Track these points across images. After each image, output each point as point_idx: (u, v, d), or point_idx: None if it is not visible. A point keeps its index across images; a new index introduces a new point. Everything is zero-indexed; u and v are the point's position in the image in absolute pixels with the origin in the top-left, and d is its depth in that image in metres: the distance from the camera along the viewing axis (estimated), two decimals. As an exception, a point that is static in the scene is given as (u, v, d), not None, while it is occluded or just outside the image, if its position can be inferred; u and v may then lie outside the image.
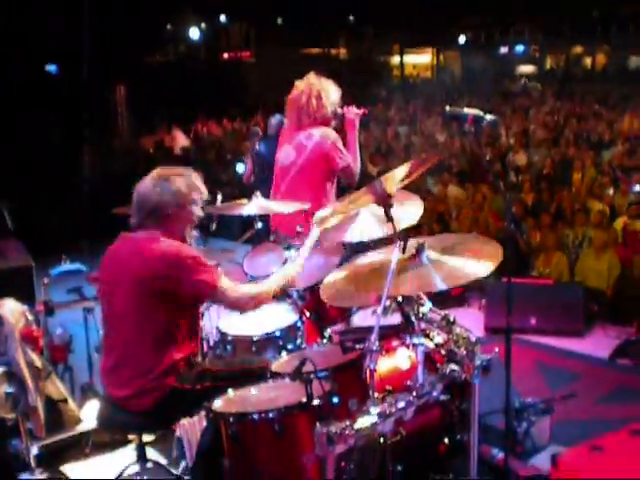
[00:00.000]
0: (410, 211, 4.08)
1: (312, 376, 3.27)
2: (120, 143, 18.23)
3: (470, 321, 7.43)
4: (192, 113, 21.71)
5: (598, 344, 7.54)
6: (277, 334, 4.43)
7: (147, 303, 3.83)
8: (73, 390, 5.73)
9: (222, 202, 5.65)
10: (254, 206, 5.10)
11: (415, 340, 3.67)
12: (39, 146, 15.08)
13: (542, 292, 8.05)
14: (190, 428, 4.21)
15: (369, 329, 3.39)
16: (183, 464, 4.42)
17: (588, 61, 41.96)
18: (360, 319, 4.80)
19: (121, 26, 22.84)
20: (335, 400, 3.35)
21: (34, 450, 4.82)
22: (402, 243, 3.48)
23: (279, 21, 38.54)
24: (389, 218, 3.58)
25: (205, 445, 3.70)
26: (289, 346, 4.41)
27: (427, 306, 3.93)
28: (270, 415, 3.28)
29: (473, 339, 3.66)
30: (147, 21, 25.66)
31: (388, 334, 3.84)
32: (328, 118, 5.76)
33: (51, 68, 25.35)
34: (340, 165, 5.64)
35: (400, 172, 3.57)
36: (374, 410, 3.17)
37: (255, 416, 3.32)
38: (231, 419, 3.37)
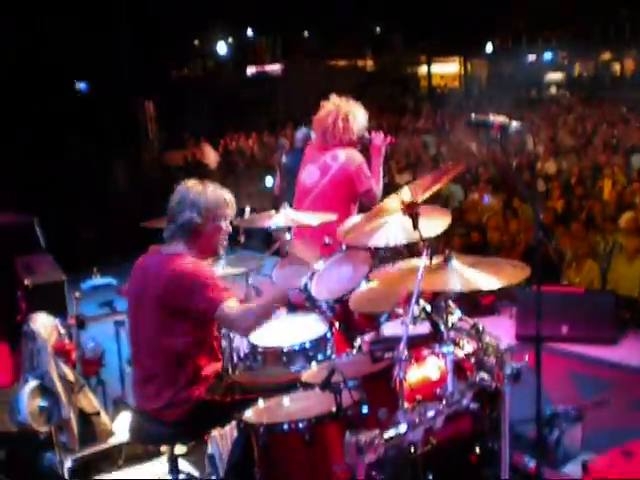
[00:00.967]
0: (436, 222, 4.08)
1: (342, 386, 3.28)
2: (149, 157, 18.37)
3: (501, 330, 7.40)
4: (221, 127, 21.86)
5: (630, 352, 7.45)
6: (307, 345, 4.43)
7: (167, 318, 3.88)
8: (105, 403, 5.77)
9: (250, 214, 5.67)
10: (282, 218, 5.12)
11: (444, 349, 3.66)
12: (70, 161, 15.25)
13: (573, 300, 7.98)
14: (221, 439, 4.22)
15: (398, 339, 3.39)
16: (215, 475, 4.44)
17: (617, 67, 41.65)
18: (390, 329, 4.79)
19: (149, 42, 23.07)
20: (365, 409, 3.35)
21: (68, 463, 4.86)
22: (429, 251, 3.48)
23: (306, 34, 38.67)
24: (416, 227, 3.59)
25: (236, 456, 3.72)
26: (319, 357, 4.41)
27: (456, 315, 3.93)
28: (300, 425, 3.29)
29: (503, 347, 3.65)
30: (175, 37, 25.89)
31: (417, 343, 3.83)
32: (354, 141, 5.76)
33: (81, 85, 25.64)
34: (363, 188, 5.66)
35: (426, 181, 3.58)
36: (404, 419, 3.16)
37: (285, 426, 3.33)
38: (262, 429, 3.38)
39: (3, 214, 8.05)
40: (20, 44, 21.73)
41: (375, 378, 3.60)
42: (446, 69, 42.24)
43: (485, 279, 3.43)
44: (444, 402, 3.36)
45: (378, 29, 39.00)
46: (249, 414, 3.54)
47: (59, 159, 14.98)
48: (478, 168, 13.12)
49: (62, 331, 5.01)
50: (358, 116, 5.77)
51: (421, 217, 3.67)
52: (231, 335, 4.84)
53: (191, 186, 4.06)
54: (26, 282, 6.42)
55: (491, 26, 34.67)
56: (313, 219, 5.19)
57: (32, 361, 4.88)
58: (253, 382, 4.10)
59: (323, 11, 30.85)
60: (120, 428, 5.20)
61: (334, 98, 5.85)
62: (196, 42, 35.45)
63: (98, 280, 7.29)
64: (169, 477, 4.14)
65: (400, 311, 4.16)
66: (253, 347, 4.56)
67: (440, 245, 3.86)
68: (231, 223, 4.19)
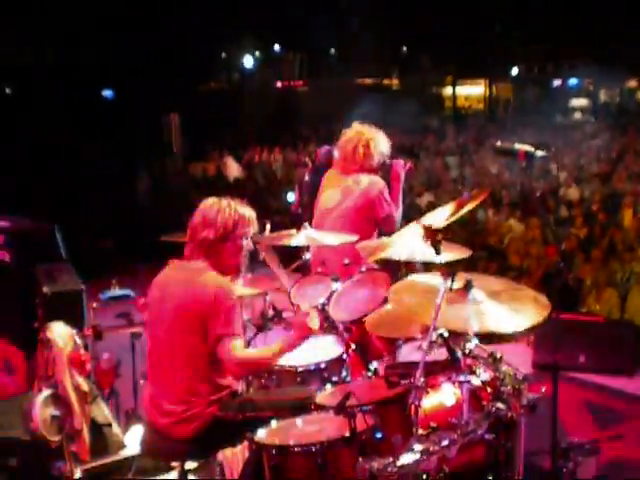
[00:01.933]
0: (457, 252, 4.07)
1: (356, 410, 3.26)
2: (173, 169, 18.45)
3: (518, 357, 7.33)
4: (244, 140, 21.91)
5: (649, 384, 7.38)
6: (322, 366, 4.42)
7: (189, 333, 3.87)
8: (118, 415, 5.76)
9: (271, 231, 5.67)
10: (303, 237, 5.11)
11: (461, 377, 3.63)
12: (93, 170, 15.34)
13: (592, 329, 7.91)
14: (232, 458, 4.21)
15: (415, 364, 3.37)
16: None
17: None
18: (406, 353, 4.76)
19: (177, 54, 23.23)
20: (378, 435, 3.32)
21: (77, 473, 4.83)
22: (450, 278, 3.46)
23: (332, 51, 38.79)
24: (437, 252, 3.57)
25: (247, 476, 3.70)
26: (334, 378, 4.39)
27: (473, 342, 3.90)
28: (313, 448, 3.27)
29: (520, 377, 3.62)
30: (203, 50, 26.04)
31: (434, 370, 3.80)
32: (374, 167, 5.77)
33: (107, 93, 25.83)
34: (384, 214, 5.66)
35: (449, 208, 3.56)
36: (417, 447, 3.13)
37: (297, 449, 3.31)
38: (273, 451, 3.36)
39: (24, 221, 8.08)
40: (51, 53, 22.00)
41: (390, 403, 3.58)
42: (471, 91, 42.20)
43: (504, 319, 3.39)
44: (459, 431, 3.33)
45: (405, 49, 39.06)
46: (261, 434, 3.53)
47: (82, 167, 15.08)
48: (501, 191, 13.08)
49: (78, 341, 5.00)
50: (379, 143, 5.80)
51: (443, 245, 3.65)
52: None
53: (211, 204, 4.05)
54: (44, 290, 6.43)
55: (517, 50, 34.64)
56: (333, 239, 5.17)
57: (47, 369, 4.87)
58: (266, 400, 4.08)
59: (350, 30, 30.96)
60: (131, 441, 5.18)
61: (356, 125, 5.87)
62: (223, 55, 35.63)
63: (116, 291, 7.31)
64: (178, 492, 4.12)
65: (418, 335, 4.14)
66: (268, 365, 4.55)
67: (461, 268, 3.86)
68: (252, 241, 4.18)
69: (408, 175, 5.95)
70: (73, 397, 4.80)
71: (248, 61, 34.97)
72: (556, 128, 24.62)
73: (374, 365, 4.56)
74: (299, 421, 3.65)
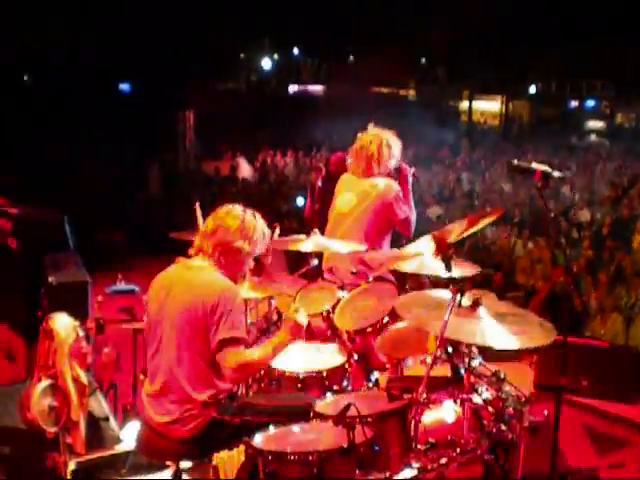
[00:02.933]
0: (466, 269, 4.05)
1: (355, 421, 3.23)
2: (185, 165, 18.47)
3: (520, 376, 7.28)
4: (258, 142, 21.93)
5: (649, 411, 7.32)
6: (324, 374, 4.39)
7: (191, 334, 3.85)
8: (115, 409, 5.74)
9: (280, 236, 5.65)
10: (311, 243, 5.08)
11: (463, 394, 3.60)
12: (105, 162, 15.37)
13: (597, 354, 7.85)
14: (228, 461, 4.18)
15: (417, 379, 3.34)
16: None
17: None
18: (409, 366, 4.73)
19: (196, 52, 23.27)
20: (376, 448, 3.30)
21: (71, 465, 4.82)
22: (458, 295, 3.44)
23: (351, 58, 38.84)
24: (448, 269, 3.55)
25: (241, 480, 3.67)
26: (335, 387, 4.37)
27: (477, 360, 3.87)
28: (309, 457, 3.23)
29: (522, 399, 3.59)
30: (222, 50, 26.08)
31: (436, 386, 3.77)
32: (391, 170, 5.77)
33: (124, 87, 25.89)
34: (400, 217, 5.64)
35: (461, 224, 3.54)
36: (415, 463, 3.11)
37: (294, 457, 3.28)
38: (269, 457, 3.33)
39: (35, 209, 8.07)
40: (69, 45, 22.07)
41: (390, 416, 3.54)
42: (487, 106, 42.16)
43: (507, 338, 3.37)
44: (458, 449, 3.30)
45: (423, 60, 39.08)
46: (258, 440, 3.50)
47: (94, 159, 15.11)
48: (513, 209, 13.05)
49: (81, 333, 4.99)
50: (395, 147, 5.79)
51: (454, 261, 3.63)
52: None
53: (248, 216, 4.06)
54: (50, 279, 6.41)
55: (536, 68, 34.62)
56: (342, 247, 5.15)
57: (47, 360, 4.86)
58: (265, 405, 4.05)
59: (370, 38, 30.98)
60: (128, 436, 5.16)
61: (373, 128, 5.86)
62: (242, 55, 35.71)
63: (122, 286, 7.28)
64: (171, 491, 4.10)
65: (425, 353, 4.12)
66: (269, 369, 4.53)
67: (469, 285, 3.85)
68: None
69: (413, 182, 5.94)
70: (72, 389, 4.78)
71: (266, 63, 35.03)
72: (570, 149, 24.58)
73: (375, 376, 4.55)
74: (297, 428, 3.61)
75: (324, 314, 4.80)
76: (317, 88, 38.58)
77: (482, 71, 32.67)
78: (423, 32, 30.64)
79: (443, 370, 3.86)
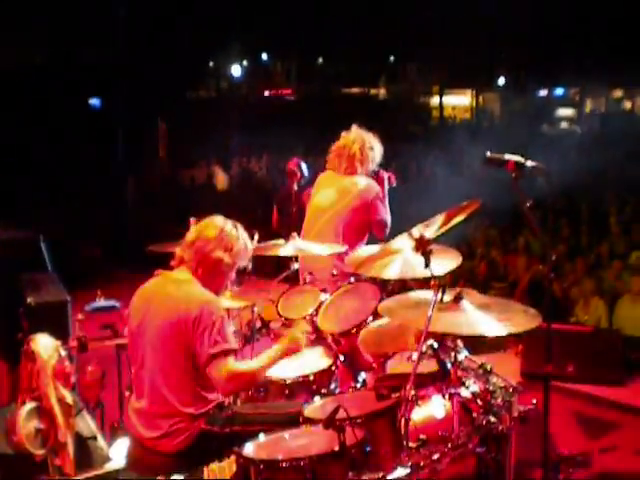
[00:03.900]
0: (448, 261, 4.04)
1: (345, 424, 3.20)
2: (160, 176, 18.40)
3: (507, 366, 7.31)
4: (232, 149, 21.89)
5: (637, 393, 7.35)
6: (311, 378, 4.37)
7: (174, 348, 3.82)
8: (103, 427, 5.69)
9: (258, 241, 5.62)
10: (291, 247, 5.07)
11: (451, 389, 3.59)
12: (78, 178, 15.27)
13: (580, 339, 7.89)
14: (219, 473, 4.14)
15: (404, 376, 3.33)
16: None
17: (628, 104, 41.69)
18: (395, 364, 4.72)
19: (165, 62, 23.19)
20: (368, 449, 3.28)
21: (62, 487, 4.77)
22: (440, 290, 3.43)
23: (320, 60, 38.88)
24: (427, 264, 3.54)
25: (234, 491, 3.64)
26: (323, 390, 4.35)
27: (463, 354, 3.87)
28: (301, 463, 3.21)
29: (510, 389, 3.59)
30: (190, 58, 26.01)
31: (423, 382, 3.76)
32: (370, 171, 5.81)
33: (94, 102, 25.74)
34: (378, 217, 5.69)
35: (439, 218, 3.53)
36: (408, 461, 3.09)
37: (286, 463, 3.26)
38: (261, 465, 3.30)
39: (8, 230, 7.99)
40: (35, 60, 21.92)
41: (379, 416, 3.53)
42: (458, 101, 42.33)
43: (495, 324, 3.37)
44: (449, 444, 3.29)
45: (392, 58, 39.17)
46: (249, 449, 3.47)
47: (67, 175, 15.01)
48: (488, 201, 13.07)
49: (63, 353, 4.93)
50: (378, 149, 5.90)
51: (433, 255, 3.61)
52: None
53: (228, 227, 4.04)
54: (29, 300, 6.34)
55: (503, 59, 34.82)
56: (322, 249, 5.14)
57: (31, 382, 4.81)
58: (254, 414, 4.03)
59: (338, 39, 31.03)
60: (117, 454, 5.11)
61: (356, 129, 5.89)
62: (211, 63, 35.66)
63: (102, 302, 7.22)
64: (163, 506, 4.05)
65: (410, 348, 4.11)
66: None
67: (451, 279, 3.86)
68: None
69: (389, 185, 6.00)
70: (57, 410, 4.73)
71: (236, 70, 34.99)
72: (543, 137, 24.71)
73: (363, 376, 4.53)
74: (287, 435, 3.59)
75: (307, 318, 4.78)
76: (288, 91, 38.61)
77: (451, 65, 32.80)
78: (391, 30, 30.68)
79: (430, 366, 3.85)
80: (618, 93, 42.11)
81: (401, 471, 3.04)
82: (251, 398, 4.48)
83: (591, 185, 14.86)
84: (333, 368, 4.48)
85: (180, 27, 24.34)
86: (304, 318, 4.77)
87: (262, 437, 3.58)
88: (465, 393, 3.69)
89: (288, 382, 4.37)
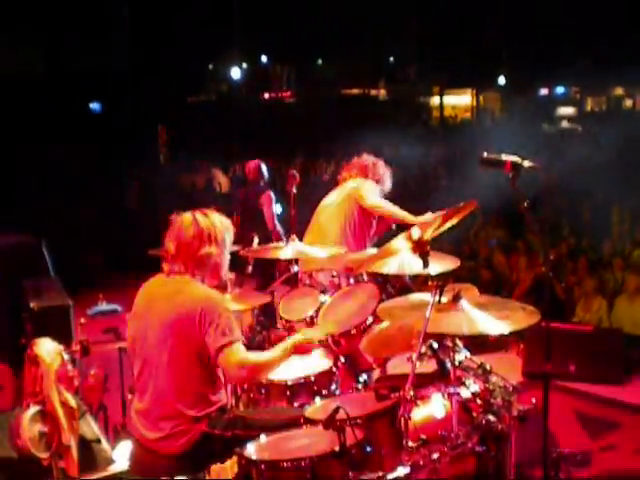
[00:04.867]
0: (446, 263, 4.08)
1: (345, 424, 3.23)
2: (161, 181, 18.40)
3: (508, 366, 7.32)
4: (232, 152, 21.91)
5: (638, 392, 7.37)
6: (312, 379, 4.39)
7: (176, 349, 3.83)
8: (106, 430, 5.72)
9: (259, 244, 5.66)
10: (290, 250, 5.10)
11: (450, 389, 3.62)
12: (80, 183, 15.28)
13: (581, 338, 7.90)
14: (221, 474, 4.17)
15: (404, 377, 3.35)
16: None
17: (629, 103, 41.69)
18: (395, 364, 4.74)
19: (164, 66, 23.24)
20: (368, 449, 3.30)
21: (66, 490, 4.80)
22: (438, 290, 3.46)
23: (319, 62, 38.91)
24: (425, 264, 3.57)
25: (236, 492, 3.66)
26: (323, 391, 4.37)
27: (463, 354, 3.89)
28: (302, 463, 3.24)
29: (510, 388, 3.61)
30: (190, 62, 26.05)
31: (423, 382, 3.78)
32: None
33: (95, 107, 25.81)
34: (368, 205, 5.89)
35: (437, 219, 3.56)
36: (408, 461, 3.12)
37: (287, 464, 3.28)
38: (263, 466, 3.33)
39: (10, 236, 8.02)
40: (35, 64, 21.97)
41: (379, 416, 3.55)
42: (458, 100, 42.34)
43: (494, 323, 3.40)
44: (449, 444, 3.31)
45: (392, 59, 39.19)
46: (250, 450, 3.50)
47: (67, 180, 15.02)
48: (488, 201, 13.08)
49: (66, 357, 4.97)
50: (387, 175, 6.24)
51: (431, 256, 3.65)
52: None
53: (199, 219, 4.02)
54: (32, 305, 6.38)
55: (504, 59, 34.84)
56: (321, 252, 5.18)
57: (34, 386, 4.84)
58: (255, 418, 4.05)
59: (337, 40, 31.06)
60: (120, 456, 5.14)
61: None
62: (210, 67, 35.70)
63: (104, 306, 7.28)
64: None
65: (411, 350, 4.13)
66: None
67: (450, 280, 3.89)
68: (238, 253, 4.17)
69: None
70: (61, 413, 4.76)
71: (236, 73, 35.02)
72: (544, 136, 24.70)
73: (364, 377, 4.55)
74: (288, 436, 3.61)
75: (307, 319, 4.81)
76: (288, 94, 38.64)
77: (451, 65, 32.80)
78: (391, 31, 30.73)
79: (430, 366, 3.87)
80: (619, 91, 42.13)
81: (401, 470, 3.07)
82: (253, 399, 4.51)
83: (592, 184, 14.86)
84: (334, 369, 4.50)
85: (180, 31, 24.37)
86: (304, 320, 4.81)
87: (263, 438, 3.61)
88: (465, 393, 3.72)
89: (290, 384, 4.39)
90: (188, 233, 3.96)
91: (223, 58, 33.36)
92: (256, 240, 5.60)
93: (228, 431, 3.86)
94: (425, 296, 3.70)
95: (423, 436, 3.41)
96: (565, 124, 35.32)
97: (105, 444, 5.31)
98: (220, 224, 4.06)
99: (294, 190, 5.71)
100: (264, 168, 8.97)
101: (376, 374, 4.58)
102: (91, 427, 5.29)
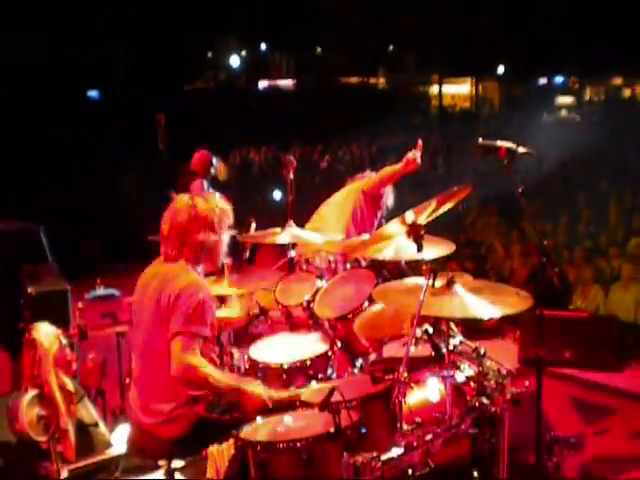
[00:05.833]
0: (441, 247, 4.11)
1: (340, 406, 3.27)
2: (159, 168, 18.40)
3: (504, 353, 7.33)
4: (231, 139, 21.91)
5: (633, 379, 7.41)
6: (308, 363, 4.42)
7: (159, 328, 3.86)
8: (105, 414, 5.76)
9: (256, 230, 5.69)
10: (287, 235, 5.12)
11: (445, 372, 3.64)
12: (78, 169, 15.30)
13: (577, 325, 7.94)
14: (218, 455, 4.21)
15: (399, 360, 3.38)
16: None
17: (627, 92, 41.66)
18: (391, 349, 4.77)
19: (163, 53, 23.19)
20: (363, 430, 3.34)
21: (64, 473, 4.83)
22: (432, 274, 3.48)
23: (318, 50, 38.82)
24: (420, 249, 3.59)
25: (233, 472, 3.70)
26: (319, 375, 4.40)
27: (457, 338, 3.92)
28: (298, 444, 3.27)
29: (504, 372, 3.64)
30: (188, 49, 26.01)
31: (418, 365, 3.81)
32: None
33: (93, 94, 25.78)
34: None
35: (431, 204, 3.58)
36: (402, 442, 3.15)
37: (283, 445, 3.32)
38: (259, 447, 3.37)
39: (9, 221, 8.04)
40: (37, 54, 21.96)
41: (374, 399, 3.59)
42: (457, 90, 42.27)
43: (487, 307, 3.43)
44: (442, 426, 3.35)
45: (391, 47, 39.10)
46: (247, 431, 3.53)
47: (66, 166, 15.05)
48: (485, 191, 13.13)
49: (64, 341, 5.00)
50: (391, 196, 6.33)
51: (426, 241, 3.67)
52: (232, 351, 4.83)
53: (197, 203, 4.02)
54: (29, 290, 6.40)
55: (503, 48, 34.77)
56: (318, 238, 5.20)
57: (32, 370, 4.87)
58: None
59: (336, 28, 31.00)
60: (118, 440, 5.18)
61: None
62: (209, 54, 35.62)
63: (102, 291, 7.30)
64: (165, 491, 4.12)
65: (402, 332, 4.16)
66: (253, 363, 4.56)
67: (445, 265, 3.92)
68: (236, 239, 4.19)
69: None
70: (59, 397, 4.80)
71: (234, 61, 34.96)
72: (543, 125, 24.69)
73: (360, 362, 4.58)
74: (284, 418, 3.65)
75: (304, 304, 4.83)
76: (287, 82, 38.56)
77: (450, 54, 32.73)
78: (391, 18, 30.65)
79: (425, 350, 3.90)
80: (618, 81, 42.08)
81: (395, 451, 3.10)
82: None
83: (590, 172, 14.89)
84: (330, 353, 4.53)
85: (178, 18, 24.32)
86: (301, 304, 4.83)
87: (259, 419, 3.64)
88: (459, 377, 3.75)
89: (286, 367, 4.42)
90: (182, 217, 3.96)
91: (222, 46, 33.30)
92: (253, 225, 5.62)
93: (226, 415, 3.90)
94: (420, 280, 3.73)
95: (418, 419, 3.44)
96: (564, 113, 35.31)
97: (103, 428, 5.35)
98: (219, 209, 4.05)
99: (291, 176, 5.72)
100: (214, 160, 8.94)
101: (372, 358, 4.61)
102: (89, 411, 5.32)
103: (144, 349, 3.98)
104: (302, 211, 6.25)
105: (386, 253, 4.12)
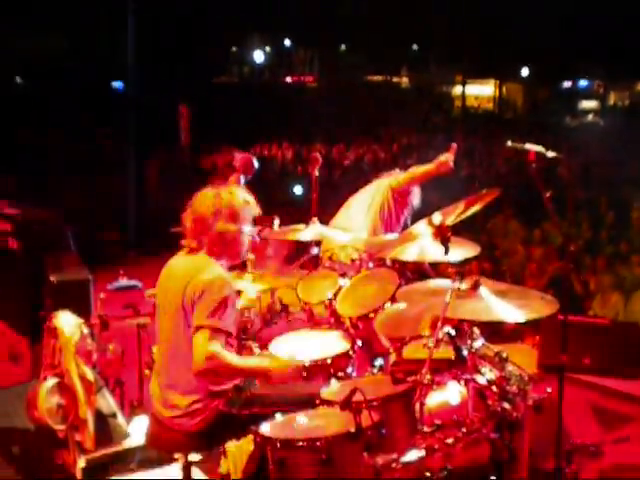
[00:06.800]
0: (466, 249, 4.09)
1: (361, 406, 3.25)
2: (182, 162, 18.46)
3: (524, 357, 7.29)
4: (254, 134, 21.93)
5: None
6: (328, 361, 4.41)
7: (182, 321, 3.86)
8: (123, 405, 5.77)
9: (279, 226, 5.68)
10: (310, 232, 5.11)
11: (466, 375, 3.63)
12: (101, 161, 15.36)
13: (598, 331, 7.87)
14: (237, 451, 4.21)
15: (421, 361, 3.37)
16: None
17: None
18: (412, 350, 4.76)
19: (188, 47, 23.24)
20: (383, 431, 3.32)
21: (81, 462, 4.85)
22: (458, 277, 3.47)
23: (342, 47, 38.80)
24: (447, 251, 3.58)
25: (251, 469, 3.70)
26: (340, 374, 4.39)
27: (480, 341, 3.90)
28: (317, 443, 3.26)
29: (526, 377, 3.62)
30: (214, 44, 26.04)
31: (439, 367, 3.80)
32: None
33: (117, 85, 25.88)
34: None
35: (459, 206, 3.56)
36: (422, 444, 3.14)
37: (302, 443, 3.31)
38: (278, 444, 3.35)
39: (35, 210, 8.08)
40: (59, 45, 22.05)
41: (395, 400, 3.57)
42: (481, 91, 42.12)
43: (513, 311, 3.41)
44: (463, 430, 3.33)
45: (415, 46, 39.01)
46: (266, 428, 3.52)
47: (90, 158, 15.12)
48: (508, 192, 13.08)
49: (85, 331, 5.02)
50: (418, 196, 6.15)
51: (452, 243, 3.66)
52: (252, 346, 4.82)
53: (222, 194, 4.02)
54: (52, 279, 6.43)
55: (528, 50, 34.61)
56: (342, 235, 5.19)
57: (53, 358, 4.89)
58: (272, 395, 4.07)
59: (361, 26, 30.95)
60: (136, 431, 5.19)
61: None
62: (234, 49, 35.68)
63: (124, 282, 7.31)
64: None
65: (425, 333, 4.14)
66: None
67: (470, 268, 3.90)
68: (260, 235, 4.18)
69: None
70: (78, 386, 4.82)
71: (259, 56, 35.00)
72: (566, 129, 24.57)
73: (380, 361, 4.57)
74: (304, 416, 3.63)
75: (326, 302, 4.82)
76: (311, 78, 38.57)
77: (475, 55, 32.62)
78: (415, 17, 30.55)
79: (447, 352, 3.88)
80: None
81: (415, 453, 3.09)
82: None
83: (613, 178, 14.78)
84: (350, 352, 4.52)
85: (205, 13, 24.36)
86: (323, 302, 4.82)
87: (279, 416, 3.63)
88: (481, 380, 3.73)
89: (306, 365, 4.41)
90: (207, 208, 3.95)
91: (246, 41, 33.34)
92: (277, 222, 5.61)
93: (245, 410, 3.89)
94: (444, 282, 3.72)
95: (438, 421, 3.43)
96: (588, 117, 35.14)
97: (121, 418, 5.36)
98: (243, 200, 4.05)
99: (316, 173, 5.71)
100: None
101: (392, 359, 4.59)
102: (108, 401, 5.33)
103: (166, 341, 3.98)
104: (324, 208, 6.24)
105: (410, 254, 4.11)
